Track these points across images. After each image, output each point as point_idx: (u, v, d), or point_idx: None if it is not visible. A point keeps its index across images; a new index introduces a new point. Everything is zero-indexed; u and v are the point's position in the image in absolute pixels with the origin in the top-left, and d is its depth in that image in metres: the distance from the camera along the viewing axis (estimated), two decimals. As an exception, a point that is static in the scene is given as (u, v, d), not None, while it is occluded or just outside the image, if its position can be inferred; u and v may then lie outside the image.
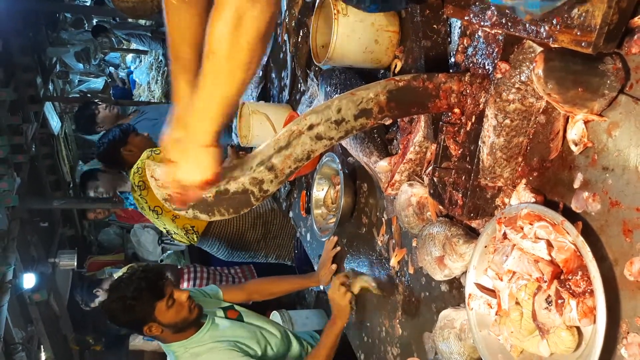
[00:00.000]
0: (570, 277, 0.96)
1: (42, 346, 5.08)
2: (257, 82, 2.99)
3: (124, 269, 2.15)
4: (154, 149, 2.81)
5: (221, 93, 0.99)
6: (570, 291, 0.94)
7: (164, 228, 2.98)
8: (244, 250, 3.05)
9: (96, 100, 5.02)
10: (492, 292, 1.14)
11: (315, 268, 2.32)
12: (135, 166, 2.84)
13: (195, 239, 2.97)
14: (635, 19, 0.91)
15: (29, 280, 4.65)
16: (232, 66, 0.95)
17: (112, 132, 3.15)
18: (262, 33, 0.93)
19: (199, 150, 1.05)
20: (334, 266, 2.16)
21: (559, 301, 0.96)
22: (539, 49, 1.07)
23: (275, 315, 3.21)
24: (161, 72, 6.43)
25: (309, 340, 2.39)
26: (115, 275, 2.87)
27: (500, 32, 1.11)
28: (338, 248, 2.12)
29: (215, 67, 0.96)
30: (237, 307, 2.30)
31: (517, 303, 1.06)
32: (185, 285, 3.56)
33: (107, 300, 2.10)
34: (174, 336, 2.09)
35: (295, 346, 2.29)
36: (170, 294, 2.04)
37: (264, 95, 3.02)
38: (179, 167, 1.08)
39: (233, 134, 3.03)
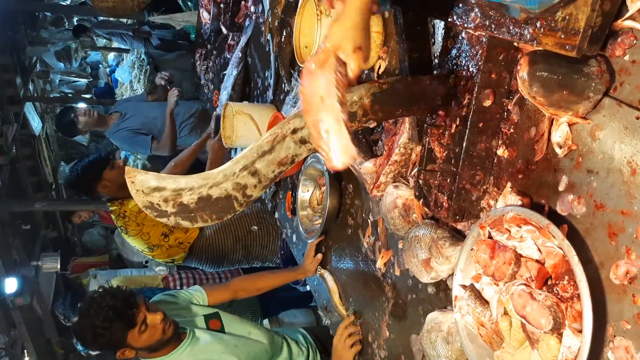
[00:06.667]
0: (557, 282, 0.96)
1: (25, 350, 5.02)
2: (238, 62, 2.95)
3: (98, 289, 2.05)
4: (120, 200, 2.85)
5: None
6: (559, 297, 0.94)
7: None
8: (229, 265, 3.14)
9: (74, 105, 4.92)
10: (485, 303, 1.13)
11: None
12: (113, 215, 2.89)
13: (178, 263, 3.08)
14: (619, 21, 0.90)
15: (11, 285, 4.58)
16: None
17: (82, 162, 3.00)
18: None
19: (357, 12, 1.02)
20: (320, 255, 2.14)
21: (547, 307, 0.95)
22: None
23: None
24: (143, 70, 6.33)
25: (299, 341, 2.37)
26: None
27: (484, 34, 1.10)
28: (322, 237, 2.10)
29: None
30: (221, 314, 2.25)
31: (506, 313, 1.05)
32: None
33: (77, 324, 2.01)
34: (151, 355, 2.04)
35: (284, 352, 2.26)
36: (143, 320, 1.94)
37: (248, 96, 2.99)
38: (338, 31, 1.04)
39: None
